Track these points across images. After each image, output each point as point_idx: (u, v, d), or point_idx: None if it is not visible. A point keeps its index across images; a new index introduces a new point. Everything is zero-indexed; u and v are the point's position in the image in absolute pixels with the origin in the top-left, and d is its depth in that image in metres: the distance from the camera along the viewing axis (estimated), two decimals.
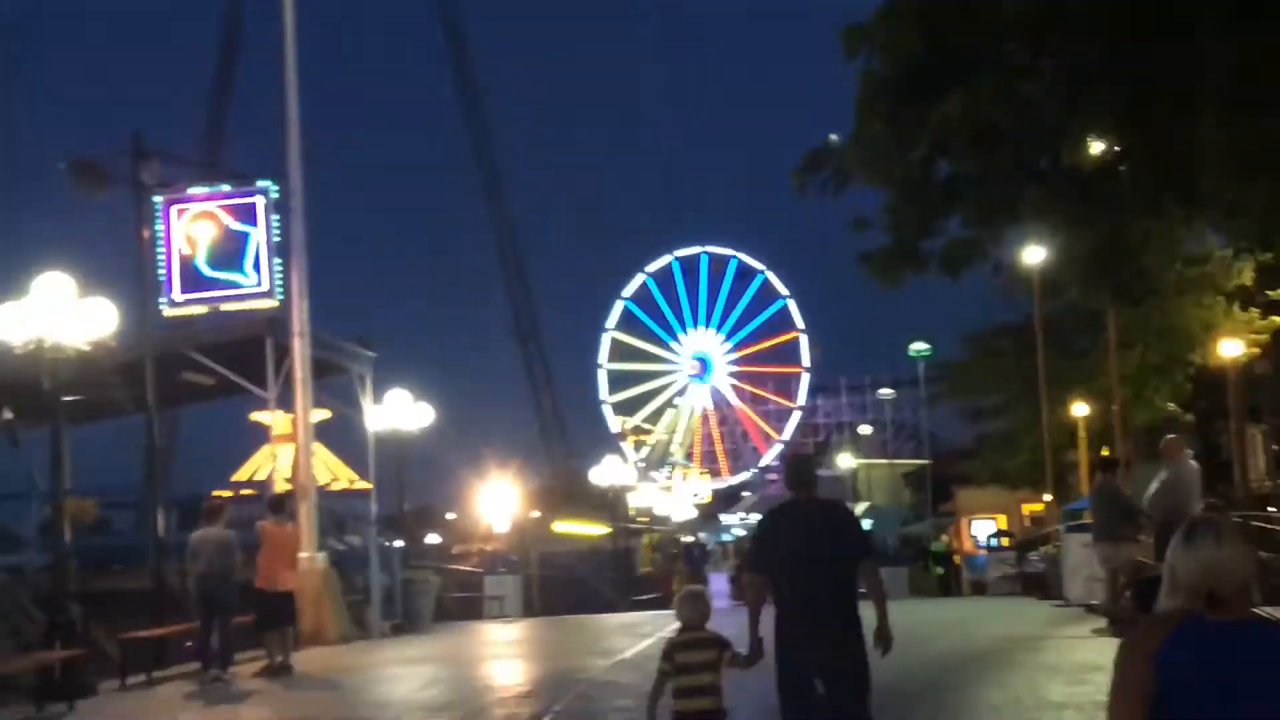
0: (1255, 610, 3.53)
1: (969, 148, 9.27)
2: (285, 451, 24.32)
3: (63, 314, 15.22)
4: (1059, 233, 11.33)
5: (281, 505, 18.39)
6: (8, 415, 22.73)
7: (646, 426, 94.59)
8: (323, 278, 25.53)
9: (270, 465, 23.79)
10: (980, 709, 11.59)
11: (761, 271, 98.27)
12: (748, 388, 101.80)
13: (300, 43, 23.06)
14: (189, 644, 17.03)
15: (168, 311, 24.82)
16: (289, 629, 16.94)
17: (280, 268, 24.35)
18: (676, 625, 7.87)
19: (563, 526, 49.09)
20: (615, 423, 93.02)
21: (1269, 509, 28.08)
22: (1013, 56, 8.35)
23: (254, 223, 25.09)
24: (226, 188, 25.91)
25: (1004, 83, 8.30)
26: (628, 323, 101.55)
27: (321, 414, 26.93)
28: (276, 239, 24.60)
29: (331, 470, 27.36)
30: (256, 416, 24.30)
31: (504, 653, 20.40)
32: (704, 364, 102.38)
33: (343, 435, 28.85)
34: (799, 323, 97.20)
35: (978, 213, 10.09)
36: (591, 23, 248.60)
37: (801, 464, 8.83)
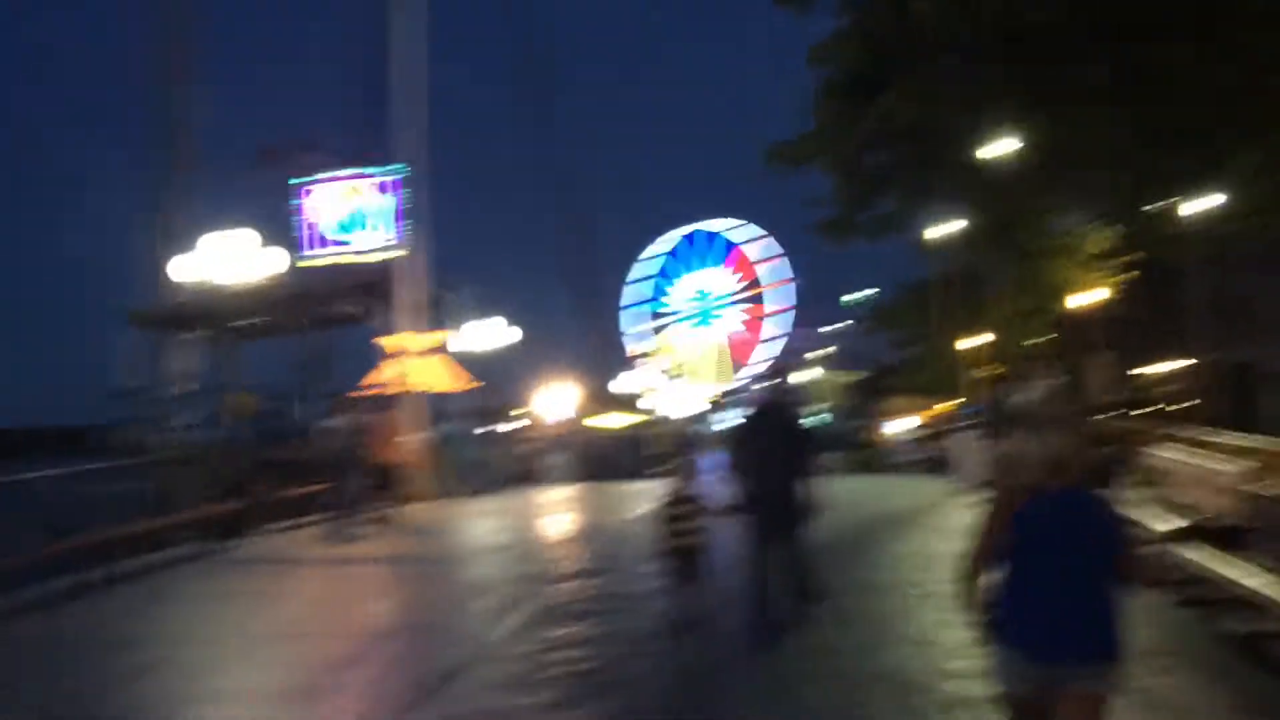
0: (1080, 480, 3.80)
1: (896, 141, 8.77)
2: (409, 362, 23.90)
3: (249, 258, 14.93)
4: (960, 210, 10.83)
5: (390, 402, 18.17)
6: (200, 333, 22.59)
7: (659, 350, 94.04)
8: (442, 234, 25.24)
9: (397, 371, 23.38)
10: (895, 557, 11.36)
11: (765, 233, 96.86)
12: (743, 317, 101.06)
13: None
14: (322, 500, 16.86)
15: (317, 262, 24.57)
16: (394, 490, 16.74)
17: (408, 228, 24.01)
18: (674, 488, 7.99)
19: (600, 420, 48.76)
20: (630, 349, 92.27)
21: (1108, 413, 27.92)
22: (936, 65, 7.82)
23: (387, 193, 24.76)
24: (369, 170, 25.53)
25: (927, 86, 7.79)
26: (647, 280, 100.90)
27: (443, 334, 26.74)
28: (406, 206, 24.25)
29: (451, 375, 26.89)
30: (386, 340, 23.83)
31: (552, 510, 20.11)
32: (706, 309, 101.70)
33: (458, 349, 28.43)
34: (789, 273, 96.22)
35: (901, 194, 9.60)
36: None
37: (780, 375, 9.07)
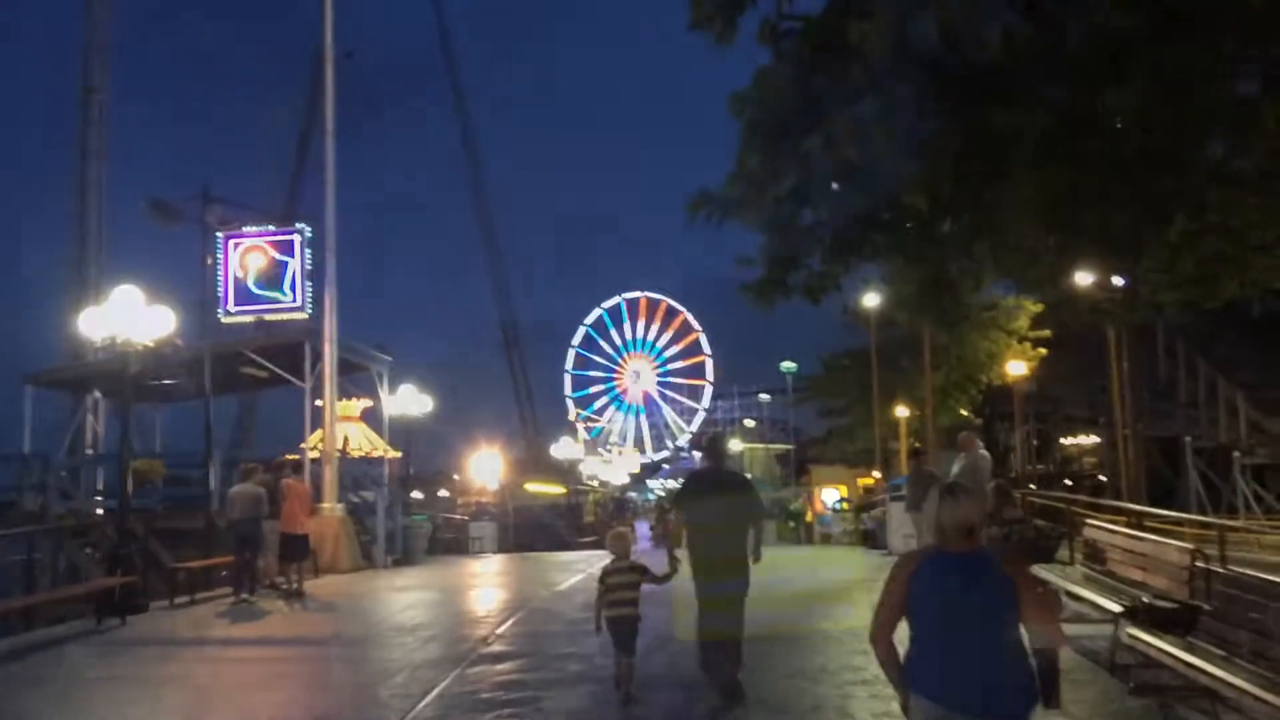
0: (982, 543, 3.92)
1: (825, 192, 8.26)
2: (335, 427, 22.81)
3: (133, 317, 13.89)
4: (895, 269, 10.32)
5: (301, 467, 17.11)
6: (96, 395, 21.28)
7: (595, 417, 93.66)
8: (356, 296, 24.49)
9: (321, 436, 22.29)
10: (826, 638, 10.57)
11: (683, 311, 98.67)
12: (669, 393, 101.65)
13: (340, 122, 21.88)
14: (225, 573, 15.67)
15: (224, 320, 23.81)
16: (304, 562, 15.64)
17: (312, 289, 23.26)
18: (609, 557, 7.92)
19: (532, 486, 47.79)
20: (573, 413, 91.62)
21: (1031, 485, 27.91)
22: (866, 106, 7.35)
23: (292, 254, 23.97)
24: (272, 227, 24.70)
25: (859, 127, 7.31)
26: (587, 342, 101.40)
27: (364, 402, 25.87)
28: (309, 267, 23.55)
29: (371, 442, 25.94)
30: (319, 402, 22.83)
31: (473, 583, 19.10)
32: (638, 374, 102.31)
33: (378, 417, 27.53)
34: (707, 349, 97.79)
35: (833, 252, 9.08)
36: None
37: (718, 443, 8.91)
